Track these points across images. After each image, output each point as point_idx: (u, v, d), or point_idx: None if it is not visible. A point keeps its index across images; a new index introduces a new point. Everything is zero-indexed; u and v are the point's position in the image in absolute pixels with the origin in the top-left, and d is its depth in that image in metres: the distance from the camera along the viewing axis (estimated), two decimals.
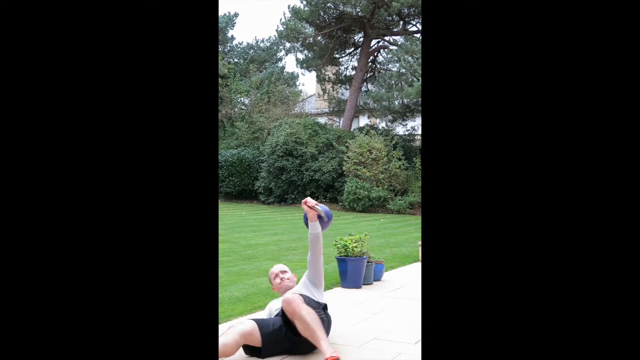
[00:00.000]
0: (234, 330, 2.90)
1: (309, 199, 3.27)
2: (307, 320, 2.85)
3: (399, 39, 17.86)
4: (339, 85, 20.40)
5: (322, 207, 3.30)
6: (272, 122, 18.40)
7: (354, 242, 4.87)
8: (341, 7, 17.02)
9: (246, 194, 17.36)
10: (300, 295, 3.01)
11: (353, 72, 19.38)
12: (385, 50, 18.75)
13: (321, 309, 3.09)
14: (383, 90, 16.75)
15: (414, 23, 17.76)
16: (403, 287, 4.96)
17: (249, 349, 2.99)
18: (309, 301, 3.02)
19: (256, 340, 2.94)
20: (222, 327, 3.46)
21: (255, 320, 3.01)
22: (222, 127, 20.88)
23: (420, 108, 15.86)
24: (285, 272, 3.46)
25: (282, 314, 2.98)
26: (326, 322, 3.07)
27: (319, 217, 3.26)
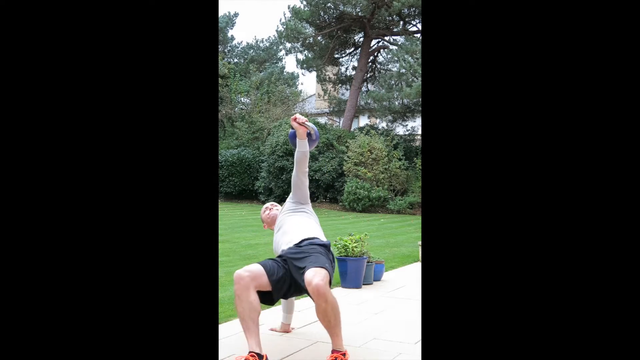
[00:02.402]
0: (242, 272, 2.80)
1: (298, 115, 3.18)
2: (333, 311, 2.70)
3: (399, 39, 17.85)
4: (339, 85, 20.40)
5: (311, 125, 3.21)
6: (272, 122, 18.39)
7: (354, 242, 4.87)
8: (341, 7, 17.01)
9: (246, 194, 17.35)
10: (324, 266, 2.78)
11: (353, 72, 19.38)
12: (385, 50, 18.74)
13: (329, 251, 3.01)
14: (383, 90, 16.74)
15: (414, 23, 17.75)
16: (403, 287, 4.96)
17: (260, 295, 2.85)
18: (330, 268, 2.84)
19: (265, 284, 2.85)
20: (225, 326, 3.47)
21: (261, 264, 2.93)
22: (222, 127, 20.87)
23: (420, 108, 15.85)
24: (275, 205, 3.51)
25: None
26: (332, 263, 2.97)
27: (308, 135, 3.19)
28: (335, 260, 3.16)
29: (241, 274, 2.79)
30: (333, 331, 2.75)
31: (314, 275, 2.67)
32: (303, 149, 3.15)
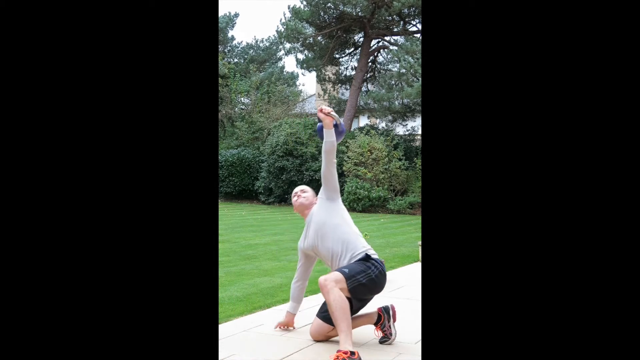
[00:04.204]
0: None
1: (323, 106, 3.21)
2: (332, 307, 2.89)
3: (399, 39, 17.85)
4: (339, 85, 20.38)
5: (336, 115, 3.21)
6: (272, 122, 18.39)
7: None
8: (341, 7, 17.00)
9: (246, 194, 17.35)
10: (340, 270, 2.99)
11: (353, 72, 19.37)
12: (386, 50, 18.74)
13: (366, 270, 3.02)
14: (383, 90, 16.74)
15: (414, 23, 17.74)
16: (403, 287, 4.96)
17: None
18: (351, 269, 2.99)
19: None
20: (225, 326, 3.47)
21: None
22: (222, 127, 20.87)
23: (420, 108, 15.85)
24: (304, 191, 3.40)
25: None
26: (368, 285, 3.02)
27: (335, 126, 3.19)
28: (380, 272, 3.11)
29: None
30: (338, 329, 2.87)
31: (325, 276, 2.95)
32: (331, 138, 3.16)
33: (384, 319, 3.22)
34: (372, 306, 3.42)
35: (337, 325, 2.88)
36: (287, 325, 3.43)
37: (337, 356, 2.72)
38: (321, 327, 3.14)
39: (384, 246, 7.67)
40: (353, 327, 3.18)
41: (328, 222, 3.18)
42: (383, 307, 3.26)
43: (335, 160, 3.24)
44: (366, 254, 3.10)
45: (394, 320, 3.24)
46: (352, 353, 2.74)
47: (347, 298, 2.95)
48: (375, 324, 3.24)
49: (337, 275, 2.97)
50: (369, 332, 3.41)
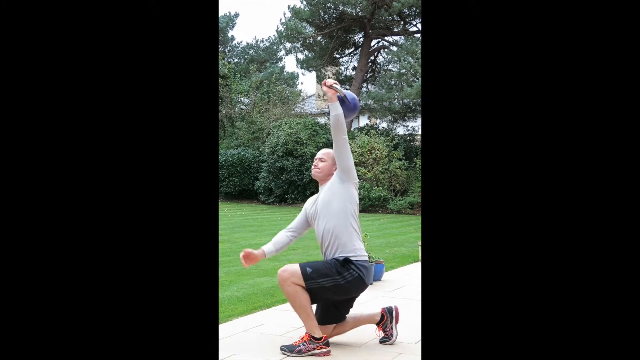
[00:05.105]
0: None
1: (328, 79, 3.06)
2: (289, 300, 3.03)
3: (399, 39, 17.85)
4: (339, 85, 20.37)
5: (346, 92, 3.08)
6: (272, 122, 18.38)
7: None
8: (341, 7, 17.00)
9: (246, 194, 17.35)
10: (303, 267, 2.96)
11: (353, 72, 19.37)
12: (386, 50, 18.74)
13: (333, 275, 2.95)
14: (383, 90, 16.74)
15: (414, 23, 17.75)
16: (403, 287, 4.96)
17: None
18: (316, 269, 2.95)
19: None
20: (225, 326, 3.46)
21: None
22: (222, 127, 20.87)
23: (420, 108, 15.84)
24: (322, 160, 3.18)
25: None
26: (332, 289, 2.96)
27: (340, 99, 3.05)
28: (362, 274, 3.03)
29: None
30: (300, 317, 3.04)
31: (284, 267, 3.01)
32: (334, 112, 3.01)
33: (386, 319, 3.22)
34: (376, 306, 3.42)
35: (300, 316, 3.02)
36: (250, 257, 3.18)
37: (303, 339, 2.99)
38: (322, 329, 3.14)
39: (384, 246, 7.67)
40: (356, 326, 3.25)
41: (331, 205, 3.06)
42: (387, 307, 3.25)
43: (346, 137, 3.02)
44: (346, 258, 3.00)
45: (397, 322, 3.24)
46: (316, 338, 2.96)
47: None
48: (378, 324, 3.24)
49: (296, 270, 2.95)
50: (369, 332, 3.41)
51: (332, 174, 3.14)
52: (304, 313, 2.99)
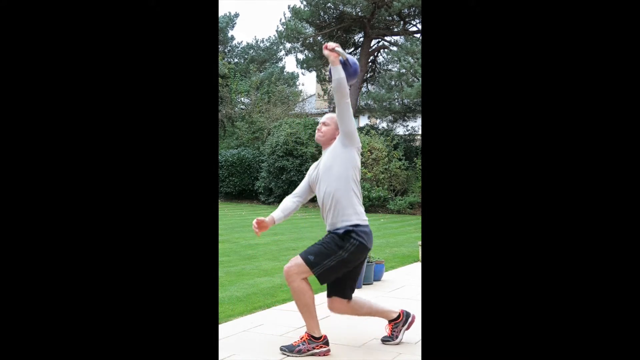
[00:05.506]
0: None
1: (330, 43, 3.04)
2: (294, 298, 3.03)
3: (399, 39, 17.86)
4: None
5: (348, 56, 3.06)
6: (272, 122, 18.39)
7: None
8: (341, 7, 17.00)
9: (246, 194, 17.35)
10: (305, 256, 2.97)
11: None
12: (386, 50, 18.74)
13: (336, 252, 2.96)
14: (383, 90, 16.75)
15: (414, 23, 17.75)
16: (403, 287, 4.96)
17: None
18: (318, 254, 2.95)
19: None
20: (225, 326, 3.46)
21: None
22: (222, 127, 20.87)
23: (420, 108, 15.85)
24: (325, 124, 3.18)
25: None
26: (338, 266, 2.97)
27: (342, 63, 3.03)
28: (352, 240, 2.99)
29: None
30: (302, 315, 3.04)
31: (289, 264, 3.01)
32: (336, 75, 2.98)
33: (401, 320, 3.25)
34: (397, 306, 3.43)
35: (303, 315, 3.03)
36: (262, 225, 3.24)
37: (302, 339, 3.02)
38: (334, 303, 3.14)
39: (384, 246, 7.67)
40: (370, 314, 3.28)
41: (333, 169, 3.04)
42: (406, 311, 3.30)
43: (349, 101, 3.01)
44: (346, 230, 2.98)
45: (407, 328, 3.26)
46: (315, 338, 2.99)
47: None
48: (390, 321, 3.26)
49: (300, 262, 2.97)
50: (369, 331, 3.41)
51: (335, 138, 3.14)
52: (307, 312, 3.00)
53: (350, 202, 3.02)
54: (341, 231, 2.99)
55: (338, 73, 2.98)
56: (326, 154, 3.13)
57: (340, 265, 2.98)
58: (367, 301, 3.24)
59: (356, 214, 3.03)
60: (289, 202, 3.29)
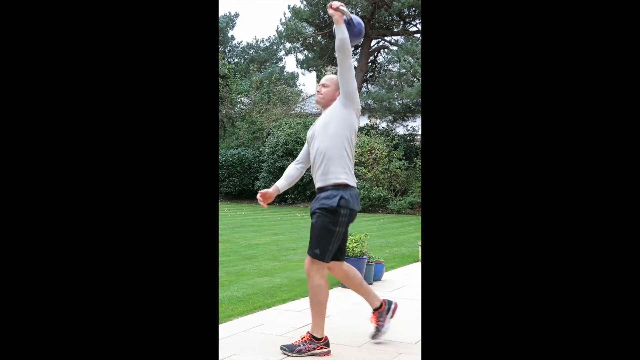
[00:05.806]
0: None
1: (334, 2, 2.96)
2: (310, 294, 3.05)
3: (399, 39, 17.86)
4: None
5: (353, 16, 3.03)
6: (272, 122, 18.39)
7: (354, 242, 4.87)
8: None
9: (246, 194, 17.35)
10: (311, 252, 3.00)
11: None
12: (386, 50, 18.74)
13: (332, 232, 2.98)
14: (383, 90, 16.74)
15: (414, 23, 17.75)
16: (403, 287, 4.96)
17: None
18: (318, 244, 2.98)
19: None
20: (225, 326, 3.47)
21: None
22: (222, 127, 20.87)
23: (420, 108, 15.85)
24: (325, 85, 3.17)
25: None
26: (339, 241, 3.03)
27: (347, 23, 3.01)
28: (344, 212, 2.99)
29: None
30: (311, 313, 3.06)
31: (310, 264, 3.05)
32: (340, 35, 2.93)
33: (383, 308, 3.28)
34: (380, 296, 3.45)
35: (312, 311, 3.05)
36: (267, 196, 3.25)
37: (303, 338, 3.02)
38: (338, 269, 3.18)
39: (384, 246, 7.67)
40: (356, 291, 3.33)
41: (328, 127, 3.03)
42: (388, 300, 3.34)
43: (351, 62, 2.99)
44: (337, 204, 2.94)
45: (392, 316, 3.30)
46: (317, 339, 3.00)
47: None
48: (374, 311, 3.29)
49: (312, 260, 3.01)
50: (367, 332, 3.41)
51: (335, 99, 3.12)
52: (318, 309, 3.03)
53: (341, 162, 3.00)
54: (330, 207, 2.94)
55: (342, 32, 2.95)
56: (324, 113, 3.11)
57: (339, 239, 3.05)
58: (359, 277, 3.28)
59: (345, 174, 3.00)
60: (293, 169, 3.29)
